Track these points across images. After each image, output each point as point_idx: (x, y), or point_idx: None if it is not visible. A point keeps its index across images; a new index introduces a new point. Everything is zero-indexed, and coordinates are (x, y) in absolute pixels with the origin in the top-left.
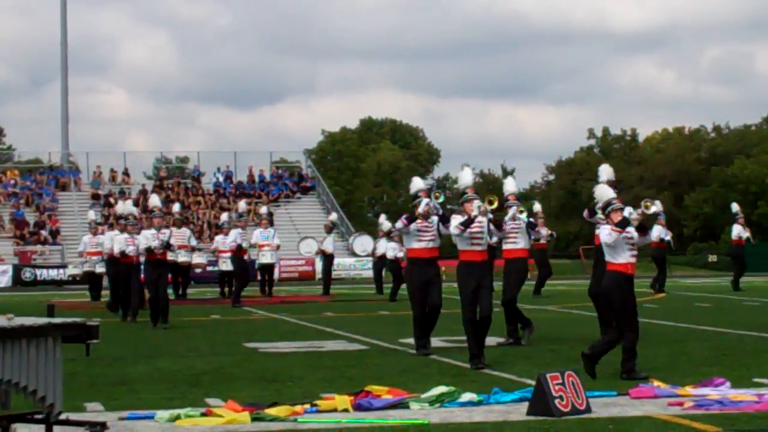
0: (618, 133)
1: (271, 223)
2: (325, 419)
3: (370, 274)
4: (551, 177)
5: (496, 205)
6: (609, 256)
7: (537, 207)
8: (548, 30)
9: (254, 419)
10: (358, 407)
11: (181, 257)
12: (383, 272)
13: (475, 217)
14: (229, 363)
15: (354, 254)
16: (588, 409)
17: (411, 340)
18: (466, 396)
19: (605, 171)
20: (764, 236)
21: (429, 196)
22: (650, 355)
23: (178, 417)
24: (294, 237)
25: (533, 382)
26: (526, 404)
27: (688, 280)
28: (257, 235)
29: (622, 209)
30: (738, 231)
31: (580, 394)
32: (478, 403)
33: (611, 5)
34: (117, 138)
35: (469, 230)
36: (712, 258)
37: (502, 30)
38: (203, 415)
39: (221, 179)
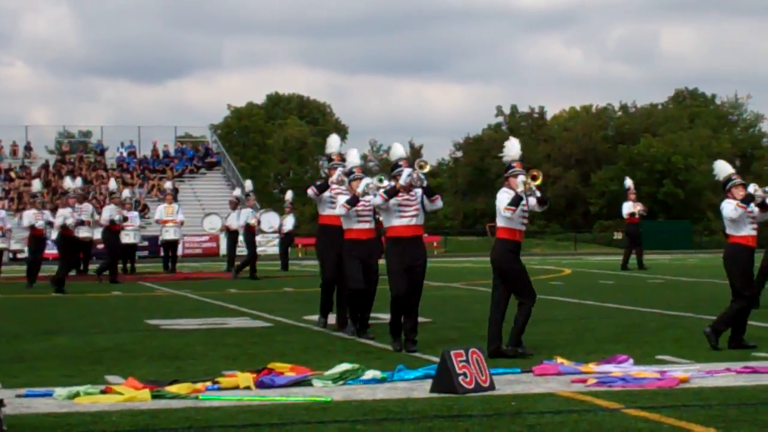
0: (526, 111)
1: (175, 199)
2: (226, 396)
3: (275, 250)
4: (459, 154)
5: (540, 180)
6: (731, 230)
7: (628, 182)
8: (455, 7)
9: (154, 397)
10: (260, 385)
11: (83, 233)
12: (289, 249)
13: (522, 193)
14: (130, 340)
15: (260, 231)
16: (492, 387)
17: (315, 317)
18: (370, 373)
19: (512, 146)
20: (670, 214)
21: (411, 166)
22: (554, 332)
23: (77, 394)
24: (198, 213)
25: (437, 360)
26: (430, 381)
27: (593, 258)
28: (160, 210)
29: (744, 185)
30: (628, 208)
31: (484, 371)
32: (382, 381)
33: None
34: (18, 111)
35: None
36: (618, 236)
37: (409, 6)
38: (103, 392)
39: (125, 154)
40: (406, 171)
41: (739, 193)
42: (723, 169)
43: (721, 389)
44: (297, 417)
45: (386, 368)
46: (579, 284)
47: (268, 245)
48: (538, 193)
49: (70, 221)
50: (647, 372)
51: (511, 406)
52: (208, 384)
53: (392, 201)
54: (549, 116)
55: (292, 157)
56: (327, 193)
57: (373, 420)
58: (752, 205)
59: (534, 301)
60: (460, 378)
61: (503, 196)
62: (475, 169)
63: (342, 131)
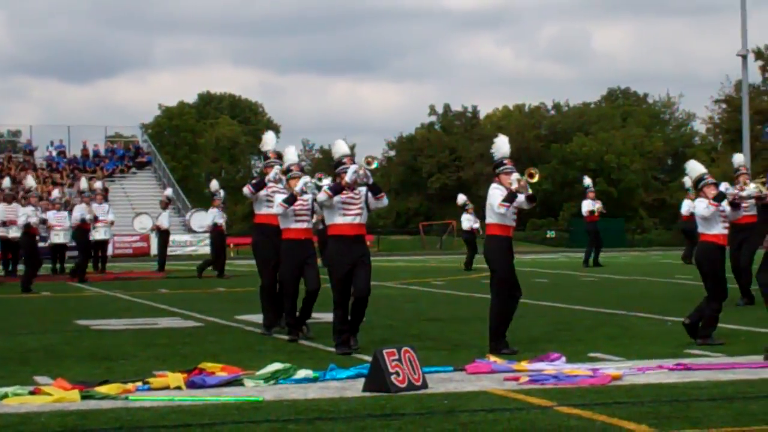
0: (459, 110)
1: (105, 199)
2: (157, 397)
3: (207, 250)
4: (392, 153)
5: (536, 179)
6: (703, 228)
7: (587, 181)
8: (388, 6)
9: (84, 397)
10: (191, 385)
11: (12, 233)
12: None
13: (517, 190)
14: (59, 340)
15: (191, 230)
16: (424, 385)
17: (247, 317)
18: (302, 373)
19: (502, 144)
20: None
21: (354, 162)
22: (487, 330)
23: (5, 396)
24: (129, 213)
25: (370, 359)
26: (362, 381)
27: (526, 256)
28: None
29: (716, 184)
30: (588, 206)
31: (417, 369)
32: (314, 380)
33: None
34: None
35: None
36: (551, 234)
37: (342, 5)
38: (31, 393)
39: (54, 153)
40: (353, 167)
41: (711, 191)
42: (695, 168)
43: (653, 386)
44: (228, 417)
45: (318, 368)
46: None
47: (199, 245)
48: (530, 191)
49: (33, 220)
50: (580, 370)
51: (444, 404)
52: (139, 384)
53: (336, 198)
54: (482, 115)
55: (223, 156)
56: (263, 192)
57: (305, 419)
58: (724, 203)
59: (521, 294)
60: (393, 377)
61: (496, 193)
62: (408, 168)
63: (274, 130)
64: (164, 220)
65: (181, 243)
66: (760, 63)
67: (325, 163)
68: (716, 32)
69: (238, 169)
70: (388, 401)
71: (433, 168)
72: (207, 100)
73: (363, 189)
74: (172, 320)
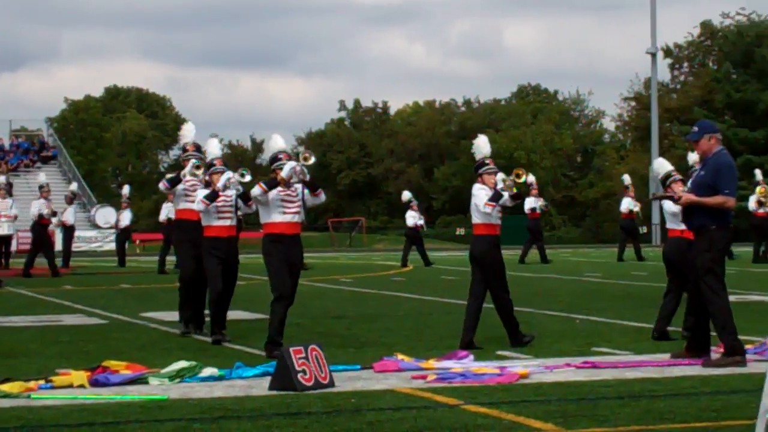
0: (369, 106)
1: (9, 194)
2: (60, 395)
3: (112, 246)
4: (301, 149)
5: (524, 178)
6: (672, 224)
7: (531, 178)
8: (293, 1)
9: None
10: (94, 383)
11: None
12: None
13: (502, 190)
14: None
15: (96, 226)
16: (331, 383)
17: (152, 314)
18: (207, 371)
19: (483, 144)
20: (513, 210)
21: (291, 159)
22: (395, 327)
23: None
24: None
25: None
26: (268, 379)
27: (436, 253)
28: None
29: (684, 181)
30: (530, 203)
31: (324, 368)
32: (220, 378)
33: None
34: None
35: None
36: (460, 231)
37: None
38: None
39: None
40: (289, 164)
41: (678, 188)
42: (662, 165)
43: (560, 384)
44: (132, 416)
45: (224, 366)
46: (421, 280)
47: (105, 241)
48: (515, 190)
49: (45, 212)
50: (487, 368)
51: (351, 403)
52: (41, 383)
53: (272, 194)
54: (392, 111)
55: (130, 151)
56: (181, 186)
57: (210, 418)
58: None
59: (509, 294)
60: (300, 375)
61: (481, 193)
62: (317, 164)
63: (182, 125)
64: (69, 215)
65: (86, 239)
66: (669, 61)
67: (232, 159)
68: (626, 30)
69: (144, 164)
70: (295, 400)
71: (342, 164)
72: (114, 93)
73: (299, 186)
74: (76, 317)
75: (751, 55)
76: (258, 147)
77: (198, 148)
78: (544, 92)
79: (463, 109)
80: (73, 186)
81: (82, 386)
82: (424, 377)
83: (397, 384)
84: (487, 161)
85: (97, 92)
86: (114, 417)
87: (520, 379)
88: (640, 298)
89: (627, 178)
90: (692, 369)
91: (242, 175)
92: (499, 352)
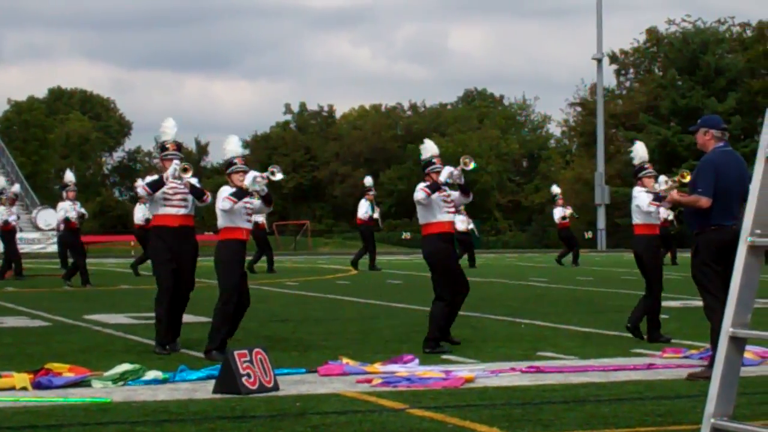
0: (315, 109)
1: None
2: (2, 398)
3: (54, 248)
4: (246, 152)
5: (472, 166)
6: (640, 220)
7: (556, 189)
8: (242, 3)
9: None
10: (37, 385)
11: None
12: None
13: (445, 180)
14: None
15: (38, 228)
16: (276, 387)
17: (96, 317)
18: (151, 374)
19: (430, 145)
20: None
21: (444, 164)
22: (340, 331)
23: None
24: None
25: (221, 360)
26: (212, 382)
27: (382, 257)
28: None
29: (655, 177)
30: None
31: (268, 371)
32: (164, 381)
33: None
34: None
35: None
36: (406, 235)
37: (195, 1)
38: None
39: None
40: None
41: (650, 182)
42: (639, 152)
43: (505, 389)
44: (75, 418)
45: (168, 369)
46: (366, 284)
47: (48, 243)
48: (462, 180)
49: (72, 214)
50: (433, 372)
51: (296, 406)
52: None
53: (435, 196)
54: (338, 115)
55: (74, 153)
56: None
57: (154, 421)
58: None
59: (468, 290)
60: (244, 378)
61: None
62: (262, 167)
63: (126, 127)
64: (12, 217)
65: (28, 241)
66: (614, 67)
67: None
68: (572, 36)
69: (88, 166)
70: (239, 403)
71: (287, 167)
72: (57, 95)
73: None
74: (19, 319)
75: (697, 61)
76: (203, 149)
77: (179, 148)
78: (491, 97)
79: (409, 113)
80: (16, 187)
81: (24, 389)
82: (369, 381)
83: (342, 388)
84: (435, 160)
85: (41, 93)
86: (57, 420)
87: (465, 384)
88: (586, 303)
89: (555, 189)
90: (637, 374)
91: (272, 174)
92: (445, 356)
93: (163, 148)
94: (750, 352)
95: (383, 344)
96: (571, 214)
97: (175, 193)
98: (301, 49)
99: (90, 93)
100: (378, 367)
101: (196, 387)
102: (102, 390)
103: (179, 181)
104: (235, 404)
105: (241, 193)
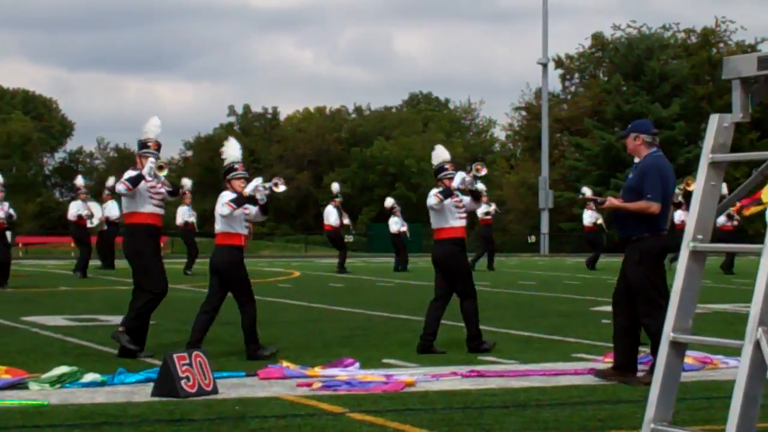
0: (259, 111)
1: None
2: None
3: None
4: (189, 153)
5: (484, 173)
6: (438, 223)
7: (480, 186)
8: (185, 3)
9: None
10: None
11: None
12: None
13: (459, 186)
14: None
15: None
16: (215, 390)
17: (34, 318)
18: (89, 376)
19: (442, 151)
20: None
21: (457, 169)
22: (281, 335)
23: None
24: None
25: (159, 363)
26: (151, 385)
27: (324, 260)
28: None
29: (452, 178)
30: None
31: (207, 374)
32: (102, 384)
33: None
34: None
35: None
36: (349, 238)
37: (137, 1)
38: None
39: None
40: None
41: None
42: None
43: (446, 393)
44: (11, 421)
45: (106, 371)
46: (308, 286)
47: None
48: (474, 186)
49: (86, 212)
50: (373, 376)
51: (235, 410)
52: None
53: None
54: (282, 117)
55: (15, 153)
56: (143, 186)
57: (92, 424)
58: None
59: (476, 295)
60: (183, 382)
61: (431, 193)
62: (205, 169)
63: (68, 128)
64: None
65: None
66: (560, 72)
67: (119, 163)
68: (517, 40)
69: (30, 166)
70: (178, 406)
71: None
72: None
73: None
74: None
75: (641, 67)
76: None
77: (159, 147)
78: (435, 101)
79: (353, 116)
80: None
81: None
82: (309, 385)
83: (282, 391)
84: (447, 166)
85: None
86: None
87: (405, 388)
88: (527, 308)
89: (480, 186)
90: (579, 378)
91: (276, 185)
92: (385, 360)
93: (143, 145)
94: (690, 357)
95: (324, 348)
96: (495, 210)
97: (156, 192)
98: (245, 50)
99: (32, 93)
100: (318, 370)
101: (134, 390)
102: (39, 392)
103: (155, 180)
104: (173, 407)
105: (241, 200)
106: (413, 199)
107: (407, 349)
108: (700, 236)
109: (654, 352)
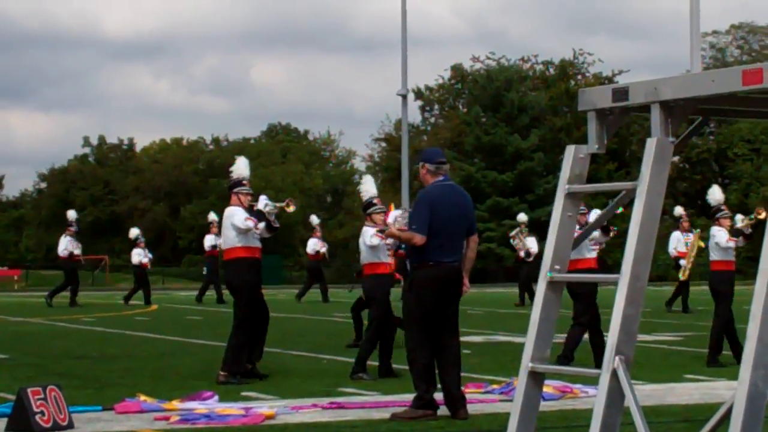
0: (114, 142)
1: None
2: None
3: None
4: (43, 185)
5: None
6: (371, 259)
7: (315, 219)
8: (35, 33)
9: None
10: None
11: None
12: None
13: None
14: None
15: None
16: (71, 425)
17: None
18: None
19: (369, 183)
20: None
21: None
22: (137, 368)
23: None
24: None
25: (14, 398)
26: (5, 420)
27: (181, 293)
28: None
29: (386, 212)
30: (313, 245)
31: (63, 409)
32: None
33: (104, 10)
34: None
35: None
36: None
37: None
38: None
39: None
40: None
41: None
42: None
43: (306, 425)
44: None
45: None
46: (165, 319)
47: None
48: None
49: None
50: (232, 409)
51: None
52: None
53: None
54: (138, 148)
55: None
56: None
57: None
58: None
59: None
60: (38, 416)
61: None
62: (59, 200)
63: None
64: None
65: None
66: (419, 103)
67: None
68: (377, 71)
69: None
70: None
71: (86, 201)
72: None
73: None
74: None
75: (500, 99)
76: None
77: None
78: (295, 131)
79: (211, 147)
80: None
81: None
82: (167, 418)
83: (139, 425)
84: (375, 200)
85: None
86: None
87: (265, 420)
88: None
89: (314, 219)
90: (439, 410)
91: (287, 206)
92: (245, 393)
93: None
94: (551, 387)
95: (181, 381)
96: (324, 253)
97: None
98: (100, 80)
99: None
100: (176, 404)
101: None
102: None
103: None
104: None
105: (260, 216)
106: None
107: (267, 382)
108: (557, 266)
109: (417, 383)
